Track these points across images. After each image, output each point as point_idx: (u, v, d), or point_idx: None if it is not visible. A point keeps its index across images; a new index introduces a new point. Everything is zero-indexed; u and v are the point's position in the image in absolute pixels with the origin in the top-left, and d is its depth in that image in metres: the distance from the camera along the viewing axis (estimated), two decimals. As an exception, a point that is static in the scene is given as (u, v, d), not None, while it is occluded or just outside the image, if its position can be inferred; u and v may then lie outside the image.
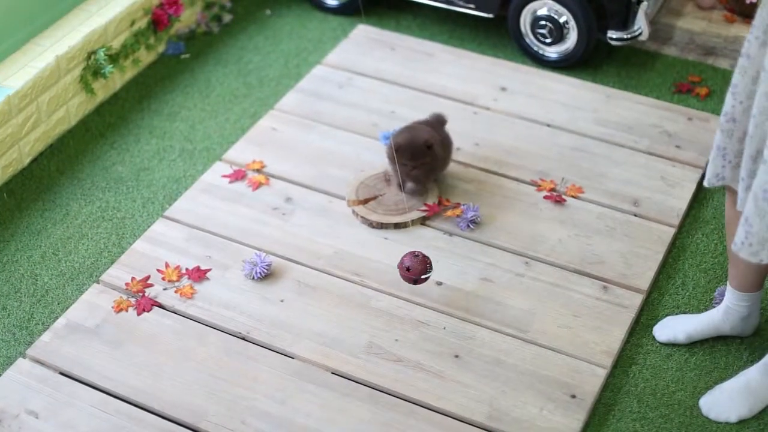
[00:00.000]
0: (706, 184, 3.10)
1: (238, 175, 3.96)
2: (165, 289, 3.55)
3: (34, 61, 4.15)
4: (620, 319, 3.44)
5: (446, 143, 3.87)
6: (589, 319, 3.43)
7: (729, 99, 2.93)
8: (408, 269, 3.37)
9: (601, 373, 3.27)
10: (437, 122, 3.93)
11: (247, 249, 3.67)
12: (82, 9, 4.44)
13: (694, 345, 3.40)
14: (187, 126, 4.30)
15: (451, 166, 3.98)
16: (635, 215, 3.81)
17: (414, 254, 3.38)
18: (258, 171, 3.99)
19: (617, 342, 3.37)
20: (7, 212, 3.93)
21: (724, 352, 3.38)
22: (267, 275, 3.58)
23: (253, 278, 3.56)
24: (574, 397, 3.21)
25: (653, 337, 3.44)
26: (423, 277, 3.38)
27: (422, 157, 3.71)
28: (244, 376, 3.27)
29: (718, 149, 3.01)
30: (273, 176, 3.98)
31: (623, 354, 3.39)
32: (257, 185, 3.93)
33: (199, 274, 3.59)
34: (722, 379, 3.29)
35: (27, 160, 4.12)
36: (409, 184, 3.82)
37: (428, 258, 3.39)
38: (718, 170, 3.04)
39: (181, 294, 3.52)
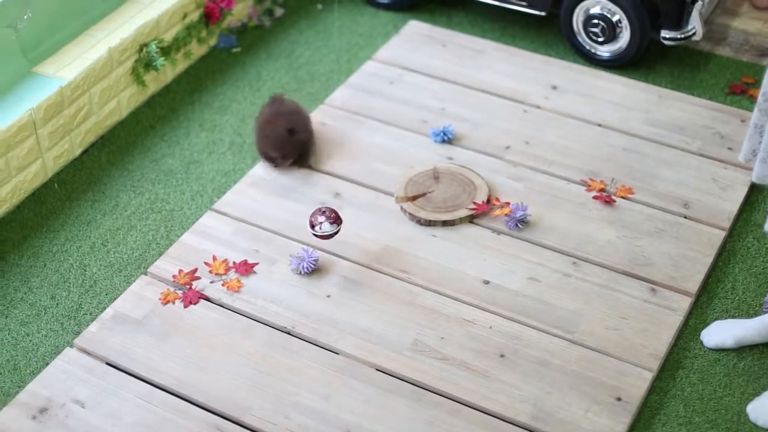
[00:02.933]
0: (741, 158, 3.09)
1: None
2: (212, 282, 3.56)
3: (87, 53, 4.18)
4: (668, 322, 3.41)
5: (295, 112, 4.02)
6: (637, 322, 3.41)
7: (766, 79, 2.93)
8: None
9: (648, 377, 3.25)
10: (276, 103, 4.04)
11: (295, 243, 3.67)
12: (135, 2, 4.47)
13: (742, 350, 3.36)
14: (237, 120, 4.31)
15: (501, 165, 3.97)
16: (685, 217, 3.78)
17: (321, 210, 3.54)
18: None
19: (664, 345, 3.34)
20: (57, 202, 3.96)
21: (774, 357, 3.35)
22: (314, 270, 3.58)
23: (300, 273, 3.57)
24: (619, 399, 3.18)
25: (701, 341, 3.40)
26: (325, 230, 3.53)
27: (288, 148, 3.89)
28: (288, 370, 3.28)
29: (755, 127, 3.00)
30: (321, 171, 3.98)
31: (670, 357, 3.36)
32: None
33: (246, 268, 3.59)
34: (771, 385, 3.26)
35: (78, 151, 4.15)
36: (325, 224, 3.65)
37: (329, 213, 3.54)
38: (755, 146, 3.03)
39: (228, 287, 3.53)
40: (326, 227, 3.50)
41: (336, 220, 3.51)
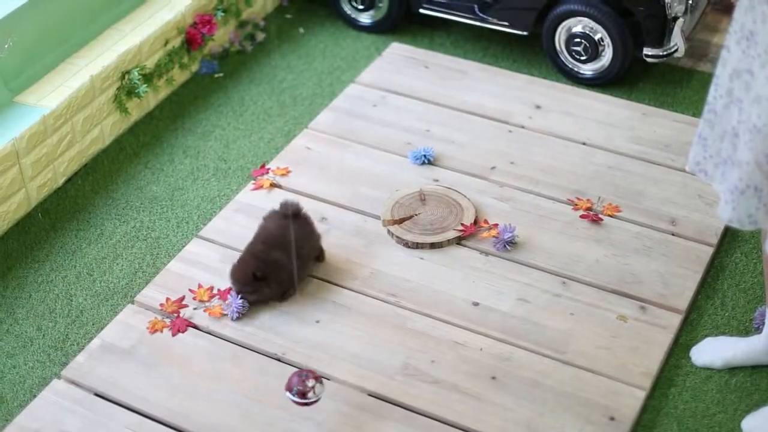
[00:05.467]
0: (687, 168, 3.12)
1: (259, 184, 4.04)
2: (195, 309, 3.54)
3: (69, 81, 4.16)
4: (659, 340, 3.40)
5: (305, 235, 3.58)
6: (627, 340, 3.40)
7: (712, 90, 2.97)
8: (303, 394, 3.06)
9: (641, 395, 3.24)
10: (289, 215, 3.55)
11: (282, 269, 3.66)
12: (116, 29, 4.45)
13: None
14: (221, 145, 4.30)
15: (486, 186, 3.96)
16: (673, 234, 3.77)
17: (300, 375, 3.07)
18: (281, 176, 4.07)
19: (656, 363, 3.33)
20: (42, 232, 3.93)
21: (766, 374, 3.33)
22: (244, 313, 3.51)
23: (233, 318, 3.50)
24: (613, 419, 3.17)
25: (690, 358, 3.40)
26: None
27: (253, 287, 3.48)
28: (279, 397, 3.24)
29: (700, 137, 3.04)
30: (308, 196, 3.96)
31: (662, 375, 3.35)
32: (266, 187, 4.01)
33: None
34: (764, 402, 3.24)
35: (62, 180, 4.12)
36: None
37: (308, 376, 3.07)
38: (698, 157, 3.07)
39: (210, 314, 3.51)
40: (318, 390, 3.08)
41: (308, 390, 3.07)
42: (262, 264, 3.46)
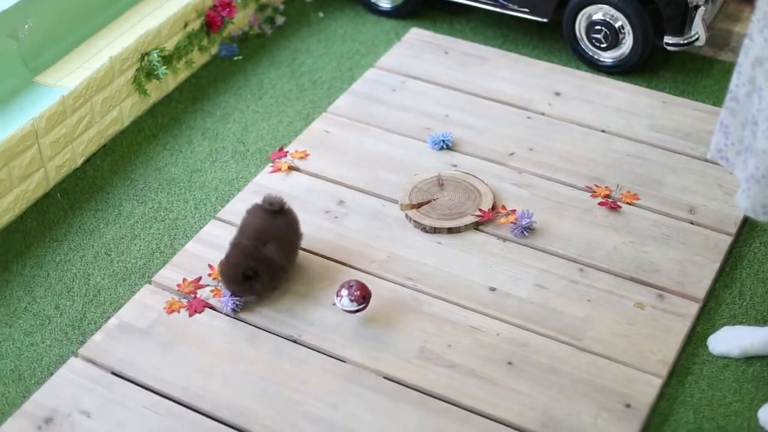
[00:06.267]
0: (708, 155, 3.11)
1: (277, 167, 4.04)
2: (210, 289, 3.54)
3: (89, 62, 4.17)
4: (676, 328, 3.39)
5: (289, 229, 3.57)
6: (645, 328, 3.39)
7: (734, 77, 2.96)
8: (364, 298, 3.34)
9: (657, 383, 3.23)
10: (272, 211, 3.53)
11: (299, 252, 3.65)
12: (136, 11, 4.46)
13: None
14: (239, 128, 4.30)
15: (505, 172, 3.96)
16: (691, 223, 3.76)
17: (348, 284, 3.35)
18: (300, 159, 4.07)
19: (673, 351, 3.32)
20: (60, 212, 3.94)
21: (783, 363, 3.34)
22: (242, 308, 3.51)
23: (234, 310, 3.50)
24: (629, 406, 3.16)
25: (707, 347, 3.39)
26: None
27: (243, 286, 3.44)
28: (295, 379, 3.26)
29: (722, 125, 3.03)
30: (326, 179, 3.96)
31: (679, 363, 3.34)
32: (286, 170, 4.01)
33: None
34: (780, 391, 3.24)
35: (80, 161, 4.13)
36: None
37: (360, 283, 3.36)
38: (719, 144, 3.05)
39: (215, 294, 3.50)
40: (345, 303, 3.35)
41: (359, 298, 3.33)
42: (252, 261, 3.41)
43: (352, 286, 3.34)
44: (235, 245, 3.47)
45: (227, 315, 3.46)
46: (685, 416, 3.19)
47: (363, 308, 3.36)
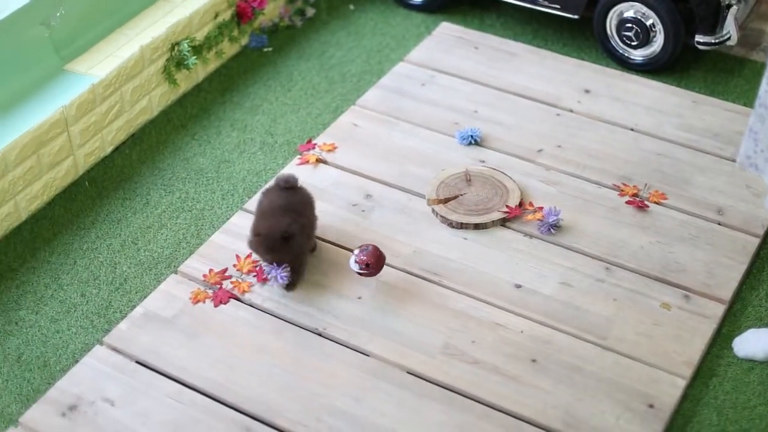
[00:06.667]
0: (737, 162, 3.08)
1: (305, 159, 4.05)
2: (232, 280, 3.55)
3: (119, 51, 4.18)
4: (701, 330, 3.38)
5: (306, 205, 3.57)
6: (670, 328, 3.38)
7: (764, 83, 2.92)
8: (368, 265, 3.40)
9: (681, 384, 3.22)
10: (287, 188, 3.54)
11: (326, 245, 3.66)
12: (167, 0, 4.47)
13: (777, 359, 3.34)
14: (268, 119, 4.31)
15: (533, 168, 3.95)
16: (719, 224, 3.74)
17: (363, 248, 3.42)
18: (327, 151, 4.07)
19: (698, 353, 3.31)
20: (88, 200, 3.95)
21: (808, 367, 3.32)
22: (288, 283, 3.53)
23: (281, 283, 3.51)
24: (652, 407, 3.16)
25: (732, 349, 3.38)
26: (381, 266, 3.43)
27: (280, 250, 3.44)
28: (319, 372, 3.26)
29: (751, 131, 3.00)
30: (353, 172, 3.97)
31: (703, 365, 3.33)
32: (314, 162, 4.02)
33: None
34: (805, 395, 3.23)
35: (109, 149, 4.15)
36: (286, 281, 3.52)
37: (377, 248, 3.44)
38: (748, 151, 3.03)
39: (240, 290, 3.51)
40: (351, 262, 3.43)
41: (362, 263, 3.38)
42: (285, 225, 3.40)
43: (364, 249, 3.41)
44: (261, 219, 3.47)
45: (253, 309, 3.47)
46: (708, 418, 3.18)
47: (366, 274, 3.41)
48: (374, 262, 3.41)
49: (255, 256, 3.58)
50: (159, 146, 4.19)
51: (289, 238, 3.39)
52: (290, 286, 3.51)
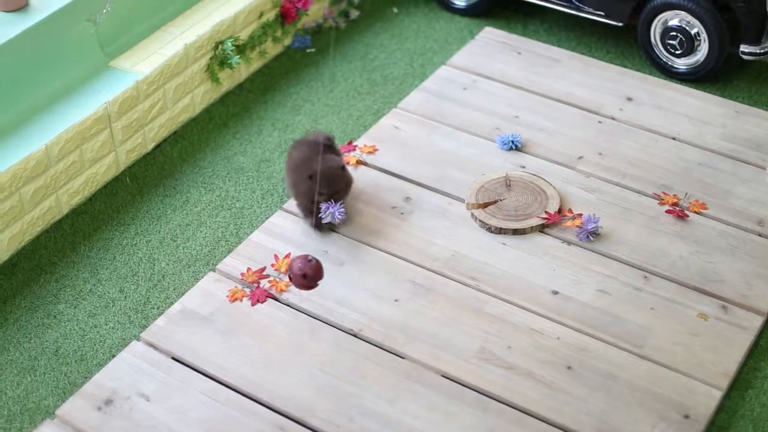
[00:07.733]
0: None
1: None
2: (271, 278, 3.56)
3: (164, 49, 4.21)
4: (738, 341, 3.36)
5: (334, 152, 3.78)
6: (707, 339, 3.36)
7: None
8: (305, 276, 3.23)
9: (717, 395, 3.20)
10: (327, 146, 3.75)
11: (364, 247, 3.66)
12: (213, -1, 4.50)
13: (815, 372, 3.31)
14: (309, 120, 4.32)
15: (573, 175, 3.94)
16: (759, 235, 3.72)
17: (307, 259, 3.24)
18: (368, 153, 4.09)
19: (734, 364, 3.29)
20: (128, 196, 3.98)
21: None
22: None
23: (337, 220, 3.64)
24: (687, 417, 3.14)
25: (771, 361, 3.37)
26: (318, 282, 3.26)
27: (338, 183, 3.64)
28: (354, 373, 3.27)
29: None
30: (393, 174, 3.97)
31: (740, 377, 3.31)
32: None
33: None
34: (843, 409, 3.20)
35: (151, 146, 4.17)
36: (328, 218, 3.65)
37: (320, 263, 3.27)
38: None
39: (278, 289, 3.52)
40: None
41: (304, 276, 3.24)
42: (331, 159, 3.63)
43: (308, 261, 3.24)
44: (307, 163, 3.65)
45: (290, 308, 3.48)
46: (744, 430, 3.16)
47: (304, 285, 3.26)
48: (312, 275, 3.25)
49: (298, 208, 3.75)
50: (200, 144, 4.21)
51: (344, 168, 3.64)
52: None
